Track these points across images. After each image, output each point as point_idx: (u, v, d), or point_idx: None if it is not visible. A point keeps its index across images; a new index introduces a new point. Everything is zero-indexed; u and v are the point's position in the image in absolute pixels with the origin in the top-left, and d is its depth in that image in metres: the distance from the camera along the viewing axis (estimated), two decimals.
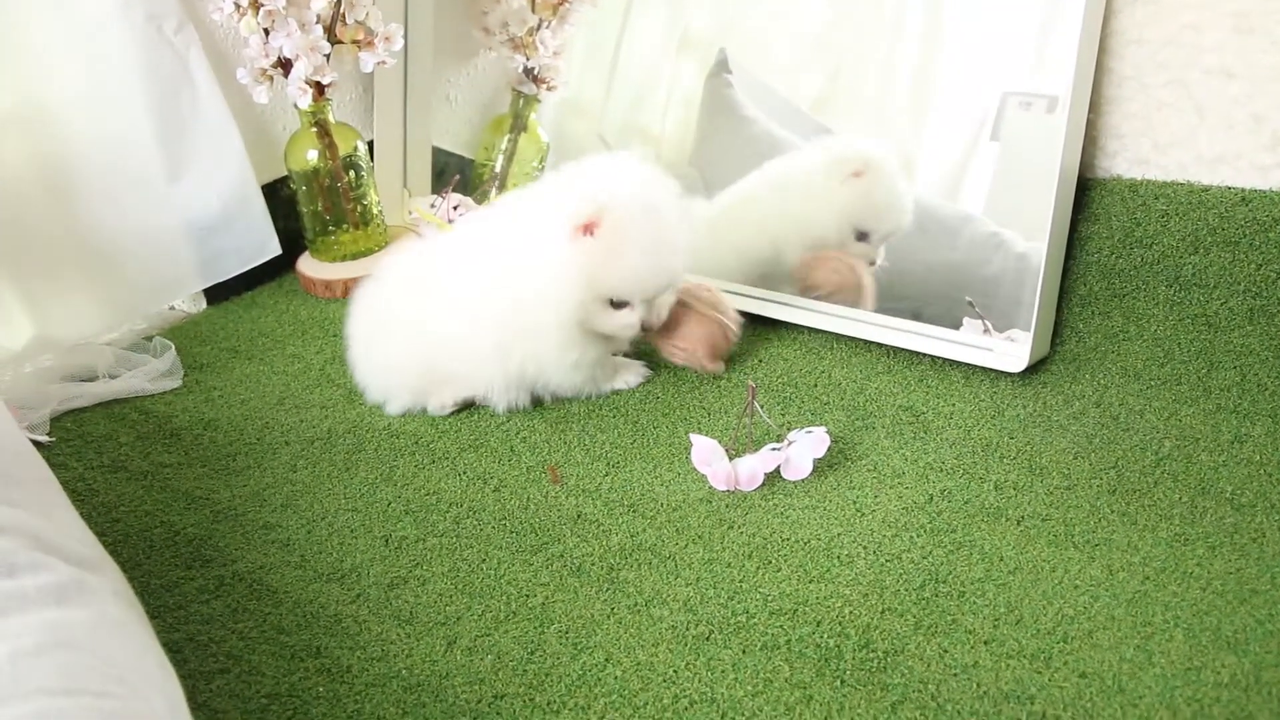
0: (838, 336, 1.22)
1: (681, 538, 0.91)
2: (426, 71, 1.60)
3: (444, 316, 1.10)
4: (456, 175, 1.62)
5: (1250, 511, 0.89)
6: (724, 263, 1.29)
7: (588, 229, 1.01)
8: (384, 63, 1.36)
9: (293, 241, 1.49)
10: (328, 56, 1.33)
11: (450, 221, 1.53)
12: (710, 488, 0.98)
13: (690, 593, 0.85)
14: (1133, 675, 0.74)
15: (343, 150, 1.42)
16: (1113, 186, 1.16)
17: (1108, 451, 0.99)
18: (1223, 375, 1.06)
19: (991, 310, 1.14)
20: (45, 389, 1.18)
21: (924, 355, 1.17)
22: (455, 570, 0.90)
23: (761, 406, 1.08)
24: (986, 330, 1.14)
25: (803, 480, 0.98)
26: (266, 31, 1.30)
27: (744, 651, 0.78)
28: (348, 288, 1.44)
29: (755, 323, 1.24)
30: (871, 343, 1.20)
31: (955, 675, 0.75)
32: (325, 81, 1.34)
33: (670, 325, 1.13)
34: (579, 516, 0.96)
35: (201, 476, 1.05)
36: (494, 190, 1.62)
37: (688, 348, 1.14)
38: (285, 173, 1.46)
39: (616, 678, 0.77)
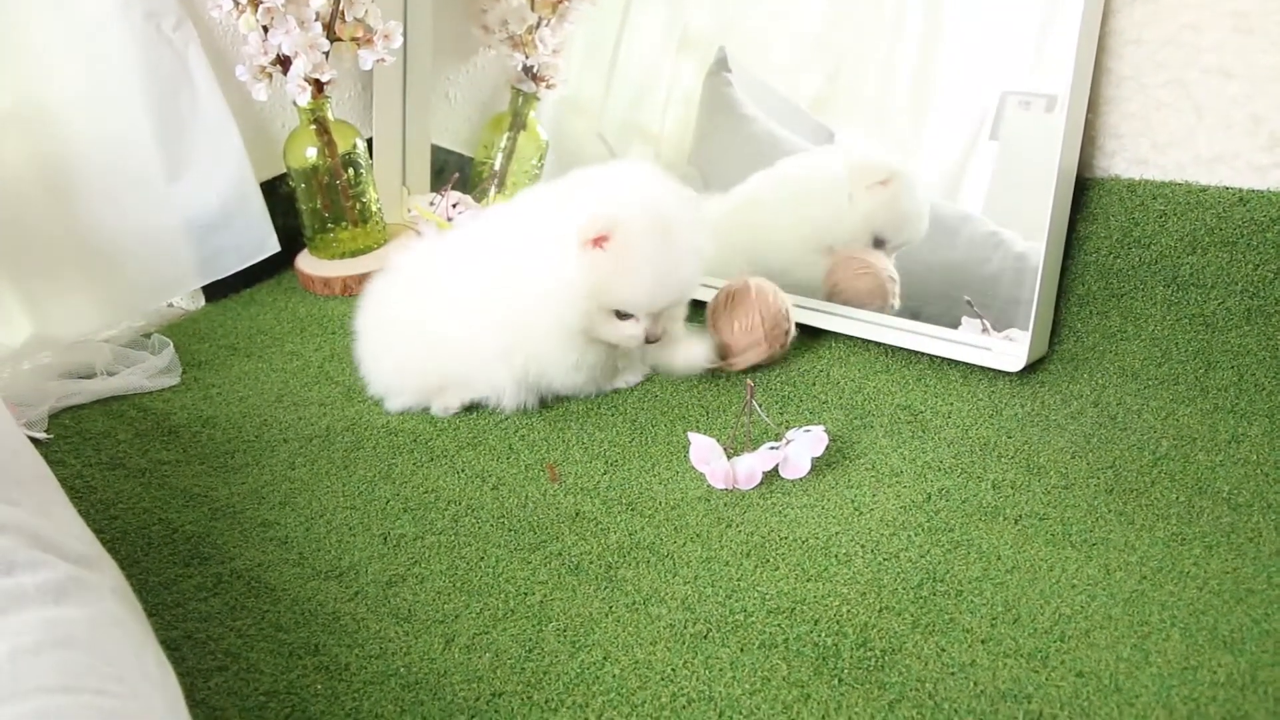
0: (836, 335, 1.22)
1: (679, 536, 0.92)
2: (426, 69, 1.60)
3: (450, 317, 1.10)
4: (455, 173, 1.62)
5: (1247, 511, 0.89)
6: (728, 263, 1.29)
7: (598, 243, 1.00)
8: (383, 60, 1.36)
9: (291, 239, 1.49)
10: (327, 54, 1.33)
11: (449, 220, 1.53)
12: (708, 486, 0.98)
13: (688, 591, 0.85)
14: (1129, 674, 0.74)
15: (342, 148, 1.42)
16: (1111, 186, 1.16)
17: (1105, 451, 0.99)
18: (1220, 375, 1.06)
19: (990, 309, 1.14)
20: (43, 386, 1.18)
21: (922, 354, 1.17)
22: (453, 568, 0.90)
23: (760, 405, 1.08)
24: (985, 329, 1.14)
25: (801, 479, 0.98)
26: (265, 29, 1.30)
27: (742, 650, 0.78)
28: (346, 285, 1.44)
29: None
30: (870, 342, 1.20)
31: (952, 674, 0.75)
32: (324, 79, 1.34)
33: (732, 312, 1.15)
34: (577, 515, 0.96)
35: (200, 474, 1.06)
36: (493, 188, 1.62)
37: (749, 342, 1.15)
38: (284, 170, 1.46)
39: (614, 676, 0.77)
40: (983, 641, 0.78)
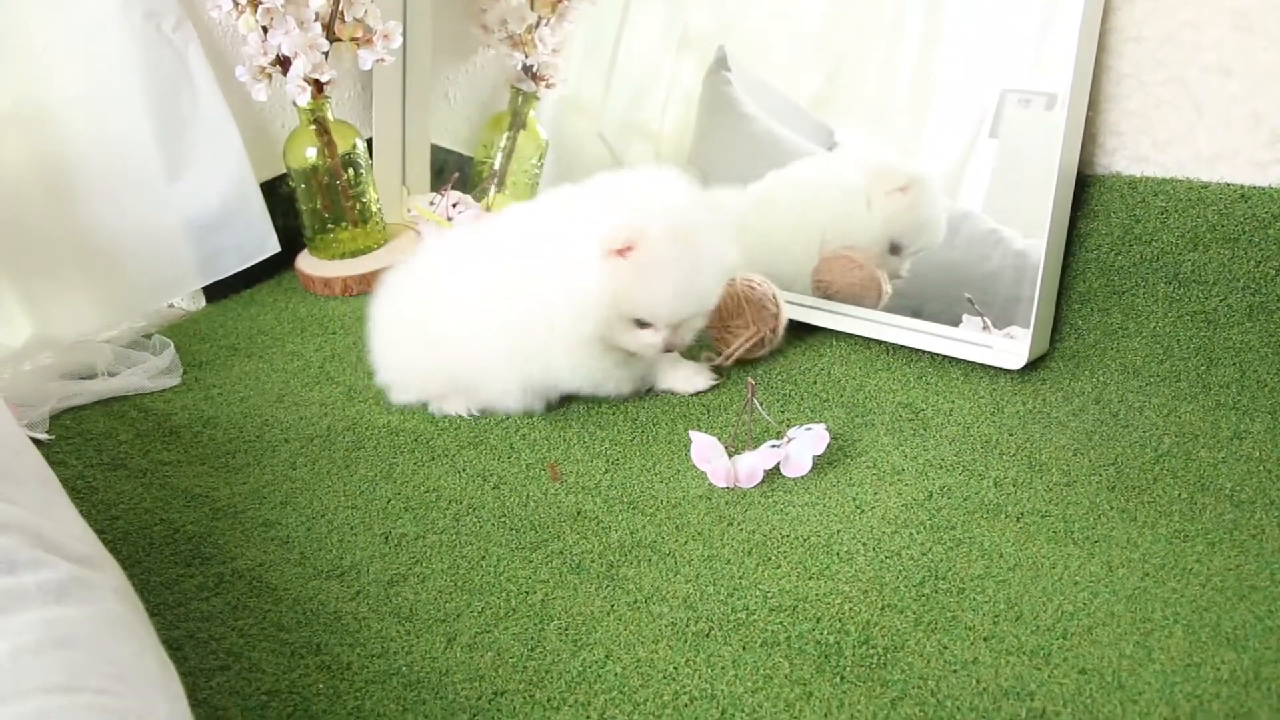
0: (837, 333, 1.22)
1: (681, 535, 0.92)
2: (425, 69, 1.60)
3: (462, 319, 1.08)
4: (455, 173, 1.62)
5: (1249, 508, 0.89)
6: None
7: (621, 253, 0.98)
8: (383, 60, 1.36)
9: (291, 239, 1.49)
10: (326, 54, 1.33)
11: (449, 219, 1.53)
12: (710, 485, 0.98)
13: (690, 589, 0.85)
14: (1132, 671, 0.74)
15: (341, 148, 1.42)
16: (1112, 183, 1.16)
17: (1107, 448, 0.99)
18: (1222, 372, 1.06)
19: (991, 307, 1.14)
20: (45, 387, 1.18)
21: (923, 352, 1.17)
22: (455, 567, 0.90)
23: (761, 403, 1.08)
24: (986, 327, 1.14)
25: (802, 477, 0.98)
26: (265, 29, 1.31)
27: (744, 648, 0.78)
28: (347, 285, 1.44)
29: None
30: (871, 340, 1.20)
31: (955, 671, 0.75)
32: (324, 79, 1.34)
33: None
34: (578, 513, 0.96)
35: (201, 474, 1.05)
36: (493, 188, 1.62)
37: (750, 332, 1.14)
38: (284, 170, 1.46)
39: (616, 674, 0.77)
40: (985, 639, 0.77)
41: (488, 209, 1.57)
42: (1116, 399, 1.06)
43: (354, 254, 1.48)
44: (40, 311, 1.28)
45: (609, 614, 0.83)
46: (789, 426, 1.03)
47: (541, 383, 1.09)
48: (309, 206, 1.45)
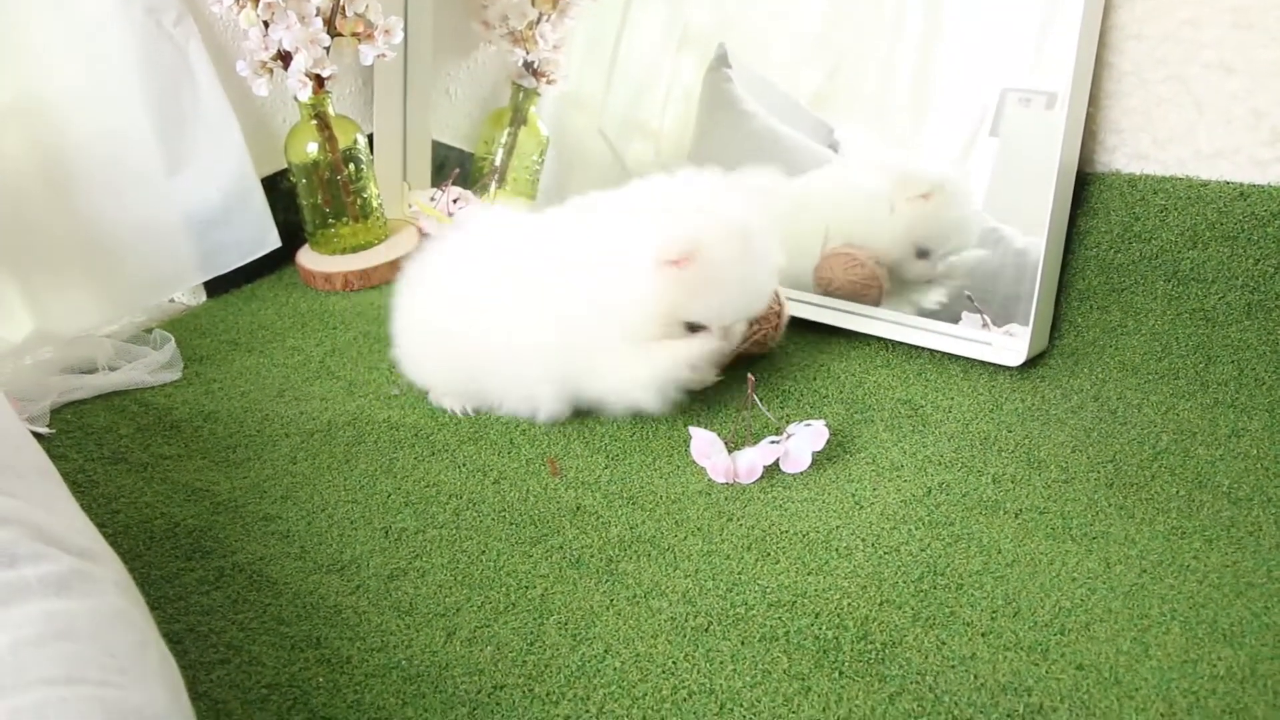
0: (836, 330, 1.23)
1: (680, 530, 0.92)
2: (426, 65, 1.60)
3: (492, 321, 1.04)
4: (456, 169, 1.62)
5: (1247, 505, 0.89)
6: None
7: (679, 263, 0.96)
8: (384, 56, 1.36)
9: (292, 234, 1.49)
10: (327, 49, 1.33)
11: (450, 215, 1.53)
12: (709, 480, 0.98)
13: (689, 584, 0.85)
14: (1129, 667, 0.74)
15: (342, 143, 1.42)
16: (1111, 181, 1.16)
17: (1105, 445, 0.99)
18: (1220, 370, 1.07)
19: (990, 305, 1.14)
20: (45, 381, 1.18)
21: (923, 349, 1.18)
22: (455, 562, 0.90)
23: (760, 399, 1.08)
24: (985, 325, 1.14)
25: (801, 473, 0.98)
26: (266, 24, 1.31)
27: (743, 643, 0.79)
28: (348, 280, 1.45)
29: None
30: (870, 336, 1.21)
31: (953, 667, 0.75)
32: (325, 74, 1.35)
33: None
34: (578, 509, 0.96)
35: (201, 468, 1.06)
36: (494, 184, 1.62)
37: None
38: (285, 165, 1.46)
39: (615, 669, 0.77)
40: (983, 634, 0.78)
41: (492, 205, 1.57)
42: (1115, 396, 1.06)
43: (355, 249, 1.48)
44: (41, 306, 1.28)
45: (608, 609, 0.83)
46: (788, 422, 1.03)
47: (574, 388, 1.06)
48: (310, 202, 1.45)
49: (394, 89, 1.58)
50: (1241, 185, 1.09)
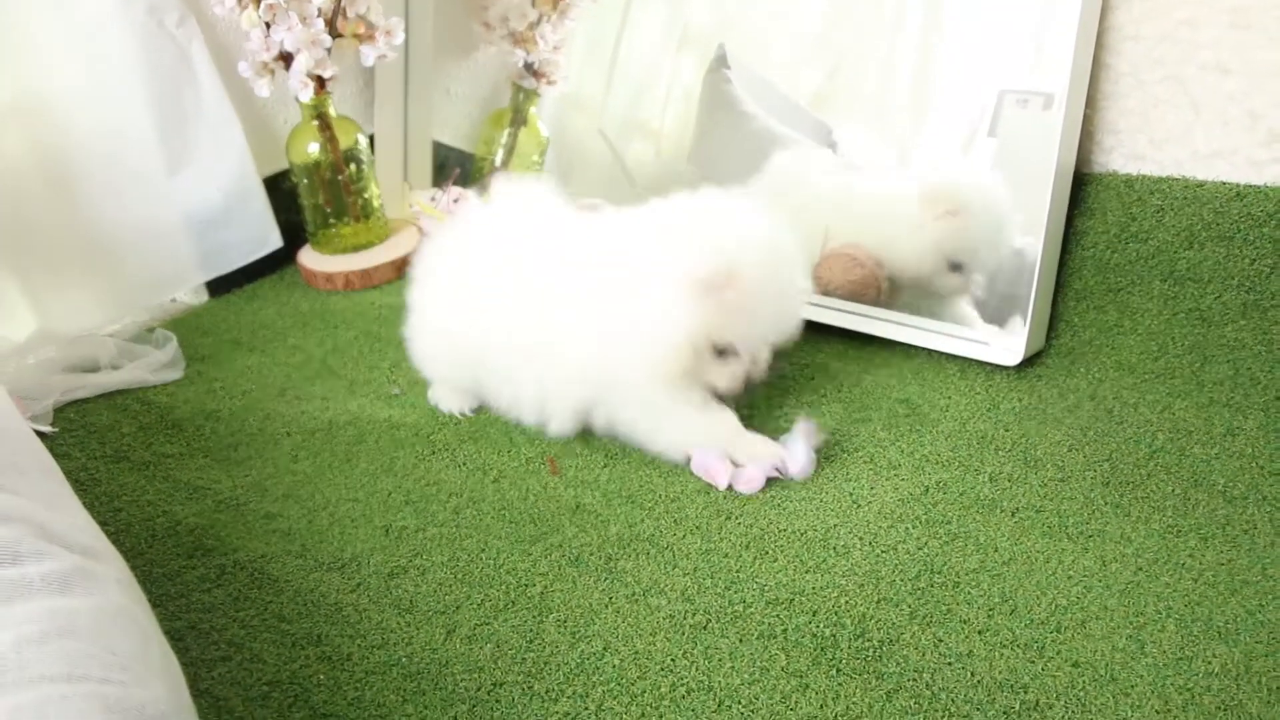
0: (834, 330, 1.23)
1: (679, 528, 0.92)
2: (427, 65, 1.60)
3: (509, 331, 1.03)
4: (457, 169, 1.63)
5: (1242, 504, 0.90)
6: None
7: (713, 290, 0.94)
8: (385, 56, 1.37)
9: (294, 234, 1.50)
10: (329, 50, 1.34)
11: (450, 215, 1.53)
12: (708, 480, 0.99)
13: (688, 582, 0.86)
14: (1125, 665, 0.74)
15: (344, 143, 1.42)
16: (1109, 182, 1.17)
17: (1101, 444, 0.99)
18: (1216, 369, 1.07)
19: (988, 304, 1.14)
20: (48, 380, 1.19)
21: (920, 349, 1.18)
22: (455, 560, 0.90)
23: (759, 398, 1.09)
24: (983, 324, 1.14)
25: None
26: (268, 25, 1.31)
27: (741, 640, 0.79)
28: (349, 280, 1.45)
29: None
30: (868, 336, 1.21)
31: (950, 664, 0.76)
32: (326, 75, 1.35)
33: None
34: (578, 507, 0.96)
35: (203, 467, 1.06)
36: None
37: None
38: (286, 166, 1.47)
39: (614, 666, 0.78)
40: (980, 632, 0.78)
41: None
42: (1111, 395, 1.07)
43: (356, 249, 1.49)
44: (44, 306, 1.29)
45: (607, 606, 0.84)
46: (785, 424, 1.03)
47: (592, 412, 1.04)
48: (311, 202, 1.46)
49: (395, 90, 1.58)
50: (1238, 186, 1.09)
